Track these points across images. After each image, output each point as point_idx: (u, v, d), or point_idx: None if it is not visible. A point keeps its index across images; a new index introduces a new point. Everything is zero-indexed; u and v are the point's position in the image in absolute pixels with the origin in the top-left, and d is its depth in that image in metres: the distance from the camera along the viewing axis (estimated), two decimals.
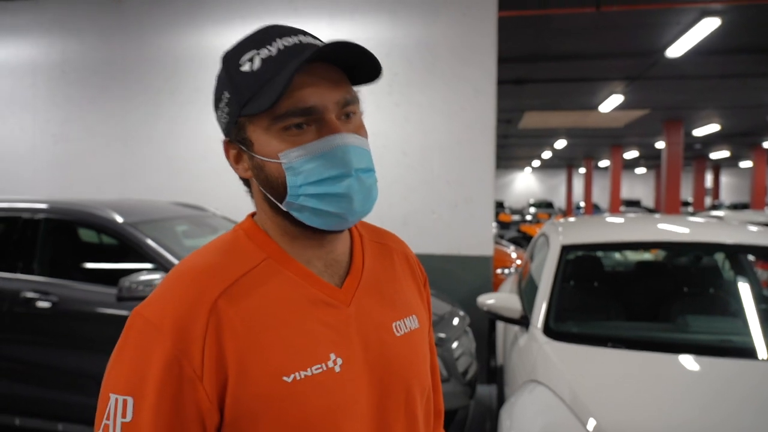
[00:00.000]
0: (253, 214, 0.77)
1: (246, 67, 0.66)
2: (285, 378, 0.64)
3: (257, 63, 0.66)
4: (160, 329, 0.63)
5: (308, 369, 0.66)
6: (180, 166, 4.72)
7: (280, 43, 0.67)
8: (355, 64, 0.69)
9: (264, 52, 0.66)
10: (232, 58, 0.69)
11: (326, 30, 4.33)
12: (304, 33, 0.70)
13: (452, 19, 4.20)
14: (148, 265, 2.86)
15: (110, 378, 0.64)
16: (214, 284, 0.66)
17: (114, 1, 4.81)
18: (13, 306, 2.92)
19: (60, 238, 3.25)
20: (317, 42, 0.69)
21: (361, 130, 0.70)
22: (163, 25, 4.73)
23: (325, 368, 0.67)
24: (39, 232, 3.07)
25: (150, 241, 2.90)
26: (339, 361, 0.68)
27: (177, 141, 4.73)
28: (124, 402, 0.62)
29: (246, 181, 0.75)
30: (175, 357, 0.62)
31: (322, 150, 0.65)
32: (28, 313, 2.89)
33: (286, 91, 0.63)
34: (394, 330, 0.76)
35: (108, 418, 0.62)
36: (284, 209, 0.69)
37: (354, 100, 0.69)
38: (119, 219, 2.99)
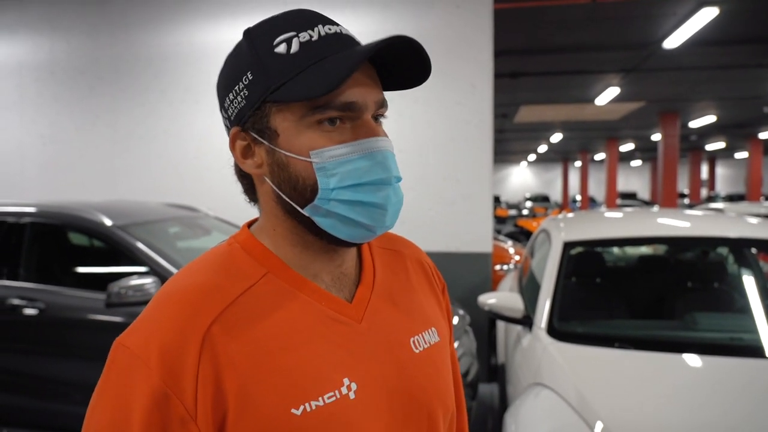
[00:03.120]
0: (249, 224, 0.69)
1: (281, 49, 0.59)
2: (294, 411, 0.56)
3: (295, 46, 0.58)
4: (146, 362, 0.55)
5: (319, 398, 0.58)
6: (171, 166, 4.63)
7: (321, 29, 0.60)
8: (401, 67, 0.63)
9: (304, 36, 0.59)
10: (261, 36, 0.60)
11: None
12: (339, 24, 0.64)
13: (446, 11, 4.12)
14: (140, 269, 2.78)
15: (92, 419, 0.56)
16: (207, 307, 0.58)
17: None
18: None
19: (47, 243, 3.16)
20: (354, 35, 0.63)
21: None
22: (151, 22, 4.63)
23: (338, 396, 0.59)
24: (25, 236, 2.98)
25: (140, 244, 2.82)
26: (353, 386, 0.60)
27: (168, 140, 4.63)
28: None
29: (247, 179, 0.66)
30: (164, 394, 0.54)
31: (362, 152, 0.59)
32: (15, 320, 2.81)
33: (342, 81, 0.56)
34: (413, 346, 0.68)
35: None
36: (305, 214, 0.61)
37: (386, 104, 0.64)
38: (108, 222, 2.90)
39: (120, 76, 4.71)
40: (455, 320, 3.07)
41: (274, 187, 0.62)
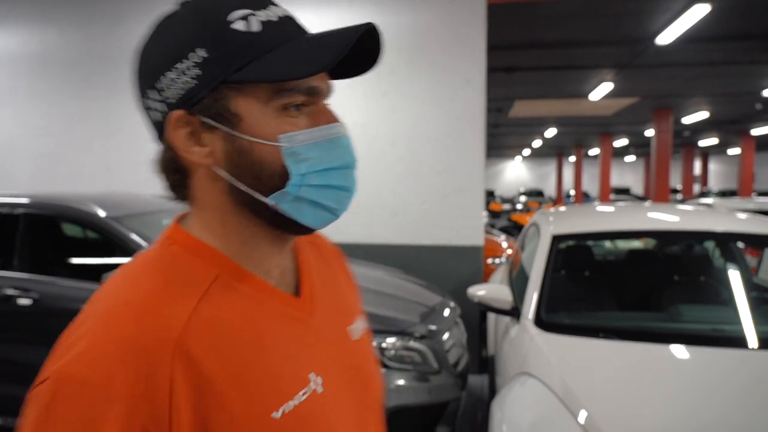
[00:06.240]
0: (179, 219, 0.63)
1: (239, 26, 0.54)
2: (274, 414, 0.55)
3: (256, 25, 0.54)
4: (108, 392, 0.47)
5: (294, 397, 0.56)
6: None
7: (276, 10, 0.57)
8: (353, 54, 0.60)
9: (261, 15, 0.55)
10: (208, 10, 0.55)
11: (312, 17, 4.24)
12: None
13: (440, 6, 4.13)
14: None
15: None
16: (170, 318, 0.52)
17: None
18: None
19: (41, 233, 3.18)
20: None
21: None
22: (145, 14, 4.62)
23: (309, 392, 0.58)
24: (19, 227, 3.00)
25: (134, 236, 2.83)
26: (319, 380, 0.60)
27: None
28: None
29: (180, 174, 0.59)
30: (136, 424, 0.47)
31: (329, 137, 0.57)
32: (8, 310, 2.83)
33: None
34: (350, 335, 0.70)
35: None
36: (270, 203, 0.56)
37: (332, 91, 0.61)
38: (102, 213, 2.92)
39: (114, 68, 4.70)
40: (446, 312, 3.11)
41: (230, 178, 0.56)
